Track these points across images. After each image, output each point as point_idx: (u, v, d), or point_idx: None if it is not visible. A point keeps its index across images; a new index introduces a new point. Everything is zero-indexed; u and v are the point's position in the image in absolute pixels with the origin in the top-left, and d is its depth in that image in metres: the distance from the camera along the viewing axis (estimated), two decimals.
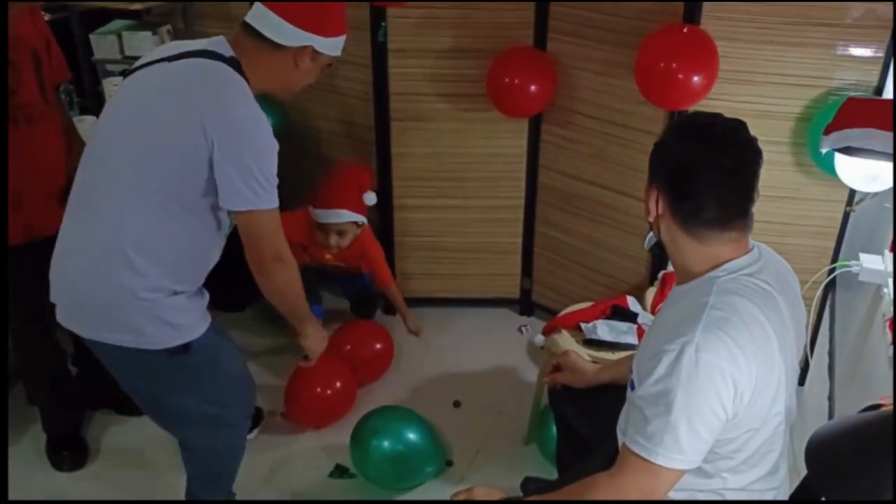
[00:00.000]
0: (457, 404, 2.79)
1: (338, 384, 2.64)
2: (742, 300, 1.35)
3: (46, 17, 3.08)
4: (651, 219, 1.46)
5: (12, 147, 2.11)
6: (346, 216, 2.73)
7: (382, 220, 3.12)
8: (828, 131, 1.91)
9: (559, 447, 2.11)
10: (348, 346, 2.80)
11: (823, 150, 1.96)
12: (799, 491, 1.38)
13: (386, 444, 2.32)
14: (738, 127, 1.40)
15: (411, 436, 2.36)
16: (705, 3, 2.36)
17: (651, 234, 1.51)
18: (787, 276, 1.54)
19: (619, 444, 1.46)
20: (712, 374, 1.28)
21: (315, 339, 2.04)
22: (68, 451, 2.50)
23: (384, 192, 3.06)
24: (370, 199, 2.80)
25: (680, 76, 2.25)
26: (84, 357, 2.74)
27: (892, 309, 1.88)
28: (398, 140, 2.97)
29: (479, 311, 3.28)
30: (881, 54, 2.33)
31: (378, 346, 2.88)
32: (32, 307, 2.31)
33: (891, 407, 1.03)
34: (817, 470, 0.92)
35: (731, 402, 1.30)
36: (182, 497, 2.17)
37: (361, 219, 2.80)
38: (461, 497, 1.58)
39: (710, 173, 1.36)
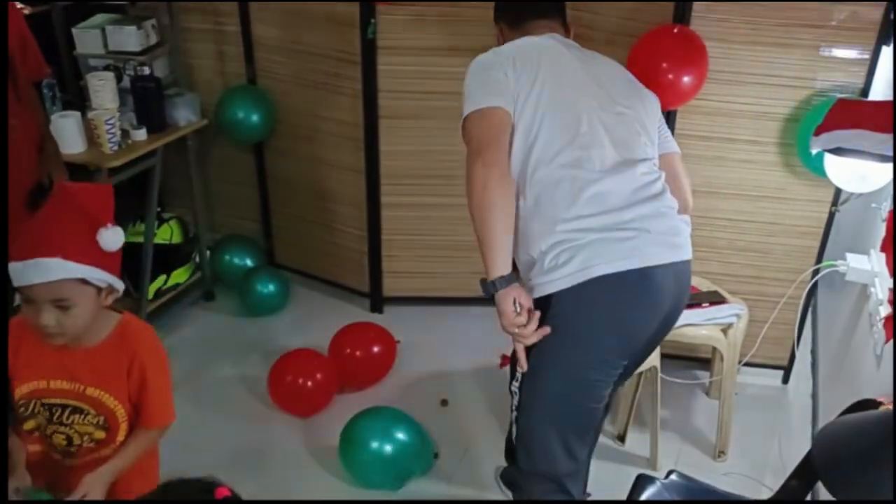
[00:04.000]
0: (444, 403, 2.78)
1: (318, 375, 2.65)
2: (528, 36, 1.86)
3: (26, 11, 3.04)
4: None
5: None
6: (60, 270, 1.40)
7: (370, 218, 3.11)
8: (818, 132, 1.94)
9: None
10: (348, 350, 2.79)
11: (814, 151, 1.98)
12: (799, 471, 1.39)
13: (375, 444, 2.31)
14: None
15: (401, 436, 2.36)
16: (695, 4, 2.37)
17: None
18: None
19: None
20: (485, 63, 1.78)
21: None
22: None
23: (372, 190, 3.05)
24: (111, 240, 1.45)
25: (670, 76, 2.26)
26: None
27: (879, 309, 1.91)
28: (386, 138, 2.96)
29: (467, 309, 3.26)
30: (867, 56, 2.36)
31: (376, 348, 2.84)
32: None
33: (891, 406, 1.04)
34: (824, 467, 0.93)
35: (504, 72, 1.71)
36: None
37: (104, 277, 1.46)
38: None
39: None
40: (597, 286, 1.59)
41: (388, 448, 2.32)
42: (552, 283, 1.62)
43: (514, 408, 1.76)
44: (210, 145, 3.27)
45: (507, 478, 2.19)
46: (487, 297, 1.62)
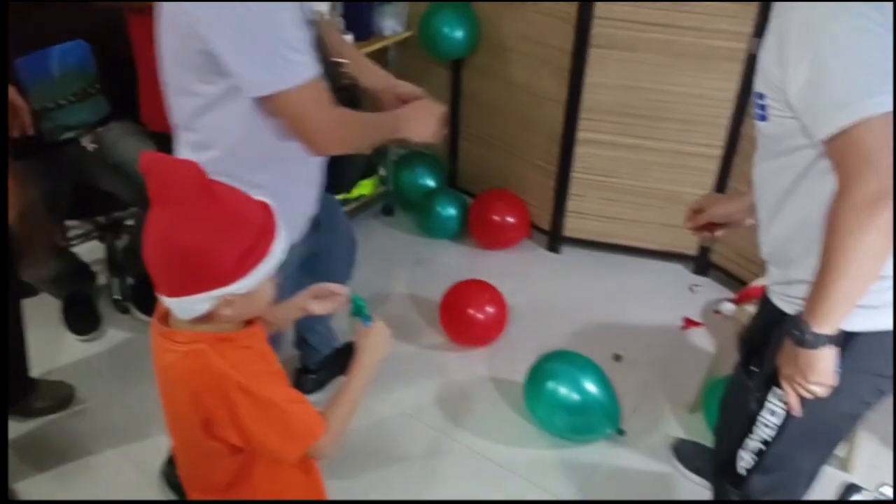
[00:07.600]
0: (617, 358, 2.64)
1: (489, 308, 2.61)
2: None
3: None
4: None
5: None
6: None
7: (563, 153, 2.94)
8: None
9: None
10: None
11: None
12: None
13: (563, 391, 2.22)
14: None
15: (590, 388, 2.26)
16: None
17: None
18: None
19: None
20: (857, 12, 1.18)
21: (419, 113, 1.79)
22: None
23: (570, 124, 2.87)
24: None
25: None
26: None
27: None
28: (594, 68, 2.75)
29: (650, 262, 3.08)
30: None
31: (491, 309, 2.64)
32: None
33: None
34: None
35: (886, 27, 1.17)
36: None
37: None
38: None
39: None
40: None
41: (577, 398, 2.23)
42: (873, 319, 1.35)
43: (770, 432, 1.49)
44: (409, 58, 3.21)
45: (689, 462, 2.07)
46: (799, 341, 1.31)
